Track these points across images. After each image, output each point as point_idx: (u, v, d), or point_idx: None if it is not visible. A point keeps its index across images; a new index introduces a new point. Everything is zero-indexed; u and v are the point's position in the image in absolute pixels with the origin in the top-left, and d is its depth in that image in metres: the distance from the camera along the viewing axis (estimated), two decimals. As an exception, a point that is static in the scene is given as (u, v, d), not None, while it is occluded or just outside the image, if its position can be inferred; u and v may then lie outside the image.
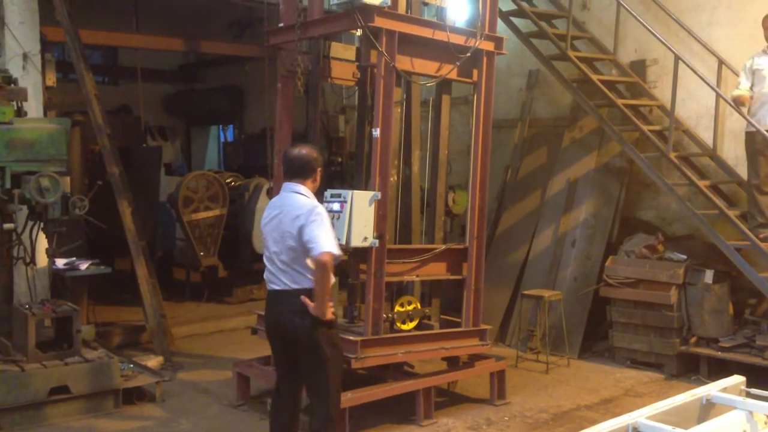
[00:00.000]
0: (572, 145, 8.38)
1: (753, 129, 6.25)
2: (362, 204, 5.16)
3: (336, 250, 4.11)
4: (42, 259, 6.07)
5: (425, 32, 5.55)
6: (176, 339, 7.55)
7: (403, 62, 5.47)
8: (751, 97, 6.40)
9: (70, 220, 5.53)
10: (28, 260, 5.82)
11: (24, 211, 5.56)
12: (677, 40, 7.26)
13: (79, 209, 5.48)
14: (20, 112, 5.71)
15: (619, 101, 7.26)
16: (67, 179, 5.56)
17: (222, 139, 15.10)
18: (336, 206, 5.19)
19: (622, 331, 7.11)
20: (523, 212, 8.54)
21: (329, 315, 4.15)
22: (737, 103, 6.40)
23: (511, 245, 8.41)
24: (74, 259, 6.64)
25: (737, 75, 6.63)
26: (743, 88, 6.45)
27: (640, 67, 7.90)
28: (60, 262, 6.47)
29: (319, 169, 4.34)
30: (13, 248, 5.90)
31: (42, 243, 5.76)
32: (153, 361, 6.61)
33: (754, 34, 6.81)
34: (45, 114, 6.83)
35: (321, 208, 4.19)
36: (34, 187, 5.27)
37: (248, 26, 12.08)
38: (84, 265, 6.62)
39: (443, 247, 5.85)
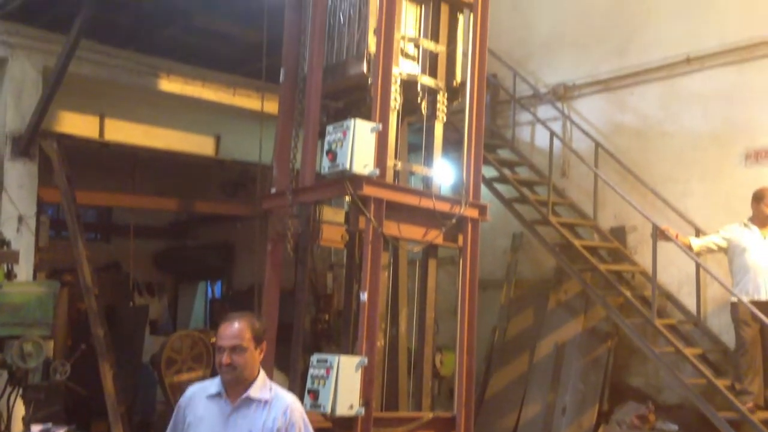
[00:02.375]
0: (558, 308, 8.43)
1: (736, 299, 6.37)
2: (349, 370, 5.06)
3: None
4: (17, 426, 5.87)
5: (412, 200, 5.73)
6: None
7: (391, 228, 5.59)
8: (700, 252, 6.71)
9: (50, 385, 5.41)
10: (2, 427, 5.62)
11: (3, 376, 5.45)
12: (654, 209, 7.54)
13: (60, 374, 5.38)
14: (10, 275, 5.75)
15: (602, 266, 7.41)
16: (51, 343, 5.51)
17: (209, 296, 15.04)
18: (322, 372, 5.11)
19: (618, 505, 6.83)
20: (512, 375, 8.43)
21: None
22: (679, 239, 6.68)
23: (501, 411, 8.22)
24: (50, 425, 6.38)
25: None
26: (708, 239, 6.72)
27: (620, 233, 8.13)
28: (35, 429, 6.23)
29: None
30: (-12, 414, 5.73)
31: (19, 409, 5.59)
32: None
33: (726, 205, 7.12)
34: (35, 274, 6.88)
35: None
36: (17, 353, 5.21)
37: (241, 185, 12.45)
38: (59, 432, 6.38)
39: (431, 415, 5.71)
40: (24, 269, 6.48)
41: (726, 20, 7.57)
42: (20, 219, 6.76)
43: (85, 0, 6.21)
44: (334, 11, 5.86)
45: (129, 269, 11.06)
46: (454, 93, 6.28)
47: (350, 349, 5.60)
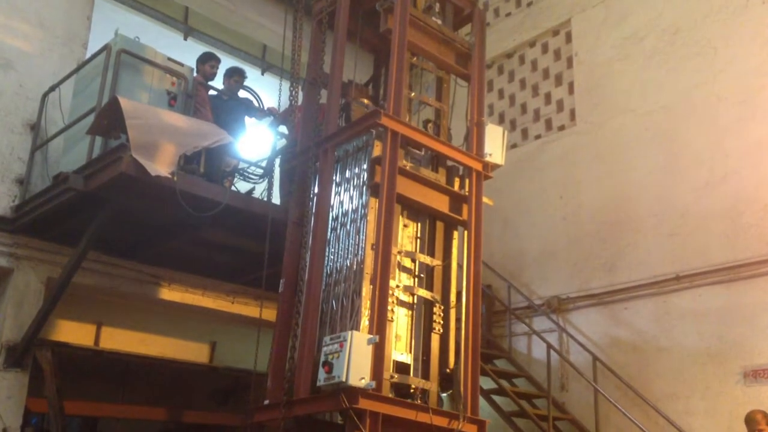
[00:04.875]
0: None
1: None
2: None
3: None
4: None
5: (408, 414, 5.60)
6: None
7: (387, 445, 5.41)
8: None
9: None
10: None
11: None
12: (657, 427, 7.33)
13: None
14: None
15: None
16: None
17: None
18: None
19: None
20: None
21: None
22: None
23: None
24: None
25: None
26: None
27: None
28: None
29: None
30: None
31: None
32: None
33: (730, 425, 6.92)
34: (9, 491, 6.50)
35: None
36: None
37: (233, 393, 12.10)
38: None
39: None
40: (-1, 487, 6.15)
41: (711, 242, 7.86)
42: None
43: (96, 216, 6.44)
44: (328, 297, 6.02)
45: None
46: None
47: None
